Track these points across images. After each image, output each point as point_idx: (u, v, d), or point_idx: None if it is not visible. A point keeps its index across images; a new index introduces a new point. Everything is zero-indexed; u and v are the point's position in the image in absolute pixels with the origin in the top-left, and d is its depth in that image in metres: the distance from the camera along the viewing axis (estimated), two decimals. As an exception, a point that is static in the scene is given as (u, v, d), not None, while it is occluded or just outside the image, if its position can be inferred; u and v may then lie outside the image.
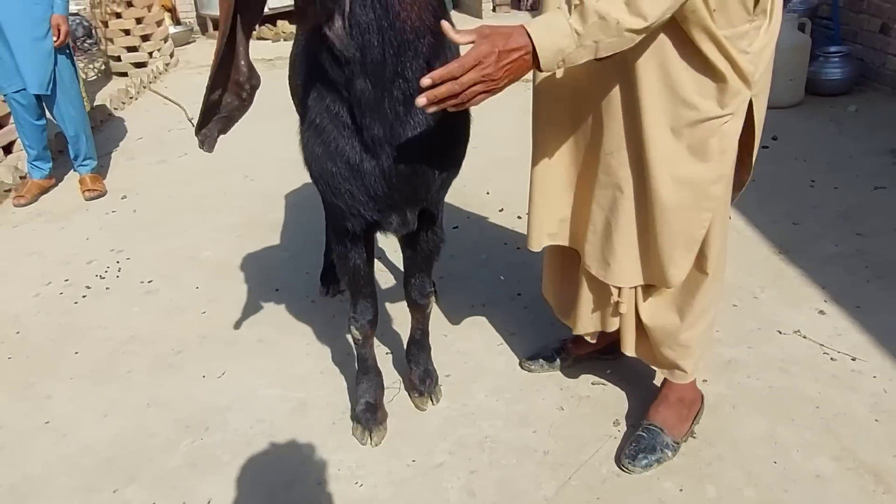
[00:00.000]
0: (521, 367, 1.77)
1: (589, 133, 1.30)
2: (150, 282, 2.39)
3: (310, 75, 1.25)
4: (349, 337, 1.72)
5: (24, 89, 2.92)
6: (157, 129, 4.08)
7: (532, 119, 1.39)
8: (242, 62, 1.15)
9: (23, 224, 2.94)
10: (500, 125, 3.63)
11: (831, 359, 1.74)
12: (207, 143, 1.23)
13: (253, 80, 1.20)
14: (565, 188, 1.39)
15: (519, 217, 2.63)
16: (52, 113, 3.07)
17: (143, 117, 4.33)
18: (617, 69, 1.18)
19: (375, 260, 1.75)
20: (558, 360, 1.75)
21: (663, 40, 1.13)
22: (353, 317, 1.54)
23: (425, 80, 0.97)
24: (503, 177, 2.97)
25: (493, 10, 6.83)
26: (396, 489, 1.44)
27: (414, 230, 1.40)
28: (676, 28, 1.10)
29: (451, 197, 2.78)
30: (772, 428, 1.53)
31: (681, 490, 1.39)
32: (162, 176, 3.38)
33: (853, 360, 1.74)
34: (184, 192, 3.14)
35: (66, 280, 2.43)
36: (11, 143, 3.49)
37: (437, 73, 0.98)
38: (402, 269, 1.72)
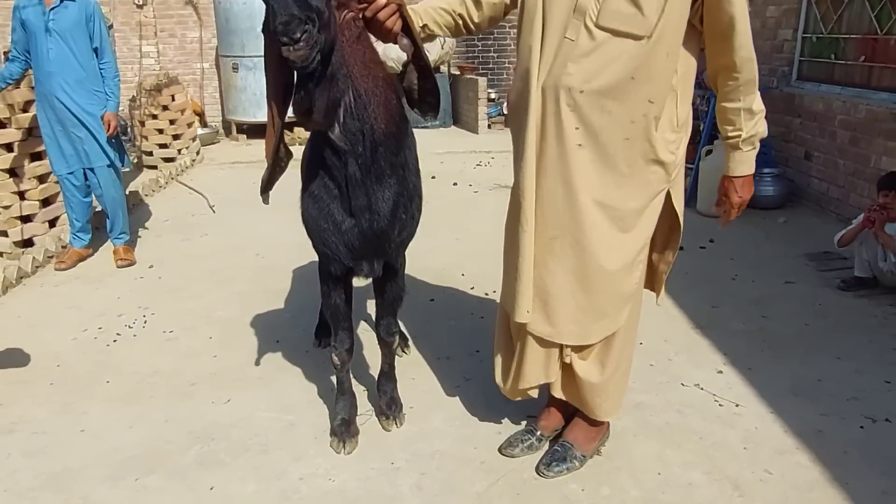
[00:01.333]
0: (502, 454, 1.92)
1: (545, 218, 1.62)
2: (171, 332, 2.86)
3: (312, 161, 1.79)
4: (332, 377, 2.17)
5: (74, 172, 3.51)
6: (183, 213, 4.71)
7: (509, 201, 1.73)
8: (282, 146, 1.69)
9: (63, 284, 3.45)
10: (481, 225, 4.24)
11: (719, 405, 2.19)
12: (265, 199, 1.75)
13: (288, 156, 1.74)
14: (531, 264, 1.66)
15: (486, 294, 3.15)
16: (96, 193, 3.66)
17: (170, 203, 4.99)
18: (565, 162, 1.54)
19: (362, 312, 2.23)
20: (534, 440, 1.93)
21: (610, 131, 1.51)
22: (333, 345, 2.02)
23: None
24: (477, 263, 3.51)
25: (489, 126, 7.80)
26: (361, 484, 1.84)
27: (380, 277, 1.93)
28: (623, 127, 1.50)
29: (429, 276, 3.35)
30: (661, 450, 1.95)
31: (582, 490, 1.79)
32: (185, 251, 3.94)
33: (736, 406, 2.18)
34: (203, 265, 3.68)
35: (100, 328, 2.90)
36: (56, 219, 4.10)
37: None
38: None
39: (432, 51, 7.86)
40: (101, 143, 3.50)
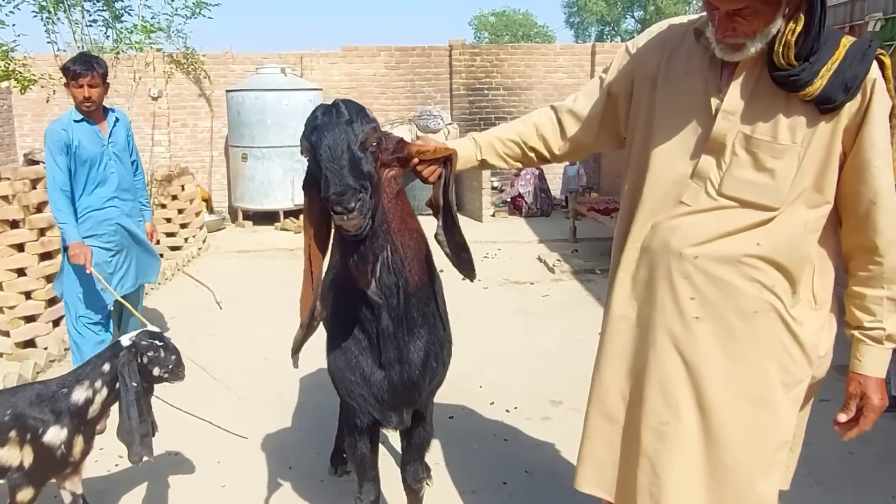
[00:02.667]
0: None
1: (650, 402, 1.36)
2: (176, 454, 2.69)
3: (339, 311, 1.69)
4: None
5: (108, 305, 3.07)
6: (190, 309, 4.61)
7: (594, 365, 1.52)
8: (318, 303, 1.58)
9: (64, 394, 3.29)
10: (494, 325, 4.16)
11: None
12: (296, 362, 1.63)
13: (322, 314, 1.62)
14: (614, 440, 1.44)
15: (507, 411, 3.02)
16: (118, 326, 3.20)
17: (177, 297, 4.89)
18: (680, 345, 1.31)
19: (381, 446, 2.11)
20: None
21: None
22: (358, 497, 1.88)
23: None
24: (495, 372, 3.40)
25: (493, 215, 7.89)
26: None
27: (408, 426, 1.82)
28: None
29: (446, 389, 3.21)
30: None
31: None
32: (191, 354, 3.78)
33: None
34: (209, 369, 3.54)
35: (101, 448, 2.73)
36: (60, 318, 3.98)
37: None
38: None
39: (437, 138, 8.06)
40: (154, 255, 3.37)
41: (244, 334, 4.09)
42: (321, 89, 7.94)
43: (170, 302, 4.78)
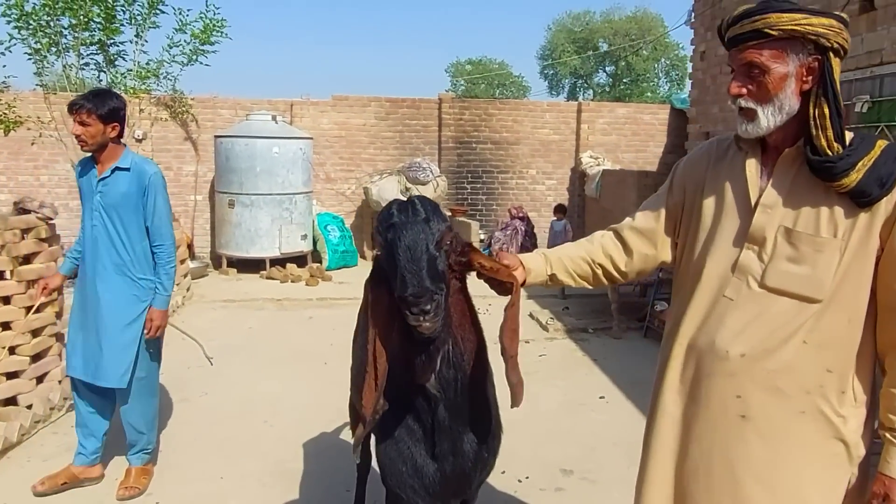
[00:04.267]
0: None
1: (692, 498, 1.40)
2: (181, 531, 2.60)
3: (391, 401, 1.62)
4: None
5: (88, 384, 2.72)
6: (178, 365, 4.50)
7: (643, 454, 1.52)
8: (381, 400, 1.55)
9: (53, 458, 3.16)
10: (496, 387, 4.17)
11: None
12: (358, 456, 1.62)
13: (384, 407, 1.59)
14: None
15: (519, 480, 3.03)
16: (120, 403, 2.83)
17: (164, 352, 4.77)
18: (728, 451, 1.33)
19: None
20: None
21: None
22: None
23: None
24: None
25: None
26: None
27: None
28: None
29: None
30: None
31: None
32: (185, 416, 3.72)
33: None
34: (208, 434, 3.46)
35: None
36: (44, 375, 3.84)
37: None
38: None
39: (425, 194, 8.22)
40: (124, 360, 2.69)
41: (240, 393, 4.02)
42: (311, 138, 8.06)
43: (157, 356, 4.66)
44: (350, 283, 7.48)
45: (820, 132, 1.27)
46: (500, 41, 56.54)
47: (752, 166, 1.38)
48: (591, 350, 5.11)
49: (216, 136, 7.57)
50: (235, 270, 7.65)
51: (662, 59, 29.61)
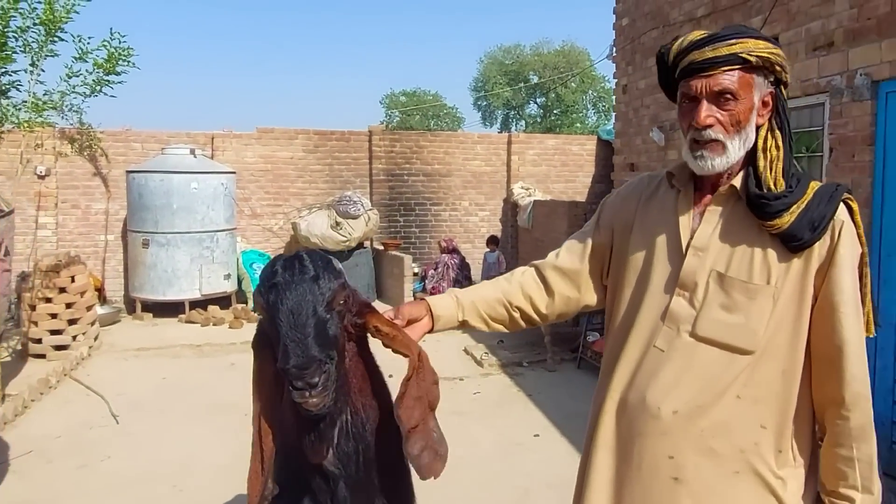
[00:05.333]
0: None
1: None
2: None
3: (285, 480, 1.48)
4: None
5: None
6: (78, 425, 4.14)
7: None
8: (270, 483, 1.41)
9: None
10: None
11: None
12: None
13: (274, 491, 1.44)
14: None
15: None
16: None
17: (63, 410, 4.39)
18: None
19: None
20: None
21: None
22: None
23: None
24: (433, 486, 3.31)
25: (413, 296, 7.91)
26: None
27: None
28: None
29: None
30: None
31: None
32: (83, 485, 3.40)
33: None
34: None
35: None
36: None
37: None
38: None
39: (357, 228, 8.13)
40: None
41: (147, 455, 3.72)
42: (234, 172, 7.83)
43: (54, 416, 4.28)
44: (278, 324, 7.23)
45: (769, 165, 1.23)
46: (433, 73, 57.79)
47: (683, 205, 1.32)
48: (527, 385, 5.11)
49: (128, 172, 7.22)
50: (151, 315, 7.23)
51: (590, 91, 31.02)
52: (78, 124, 7.04)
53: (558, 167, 9.68)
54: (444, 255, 8.36)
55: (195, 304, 7.30)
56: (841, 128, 3.71)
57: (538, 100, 32.56)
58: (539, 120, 32.00)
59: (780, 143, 1.25)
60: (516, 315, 1.48)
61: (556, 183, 9.60)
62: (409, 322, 1.42)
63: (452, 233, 9.24)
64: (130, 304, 7.38)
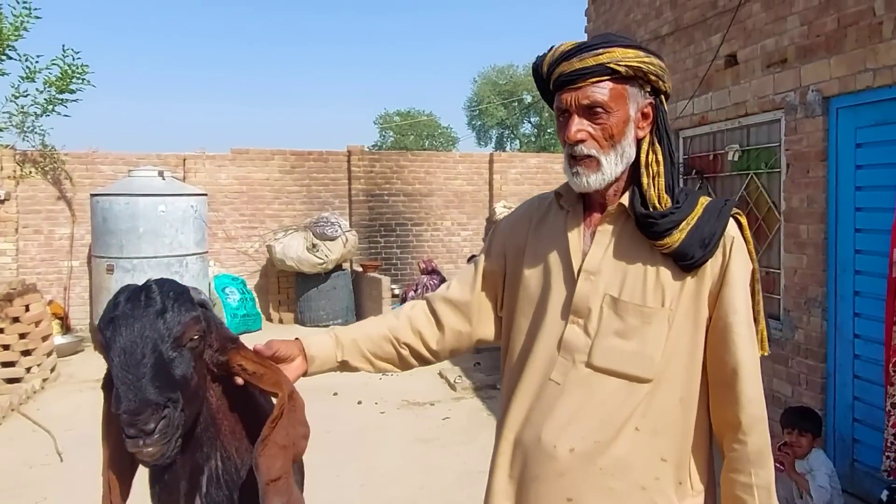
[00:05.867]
0: None
1: None
2: None
3: None
4: None
5: None
6: (18, 464, 3.97)
7: None
8: None
9: None
10: (390, 459, 3.93)
11: None
12: None
13: None
14: None
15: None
16: None
17: (5, 448, 4.23)
18: None
19: None
20: None
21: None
22: None
23: None
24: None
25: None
26: None
27: None
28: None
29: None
30: None
31: None
32: (9, 528, 3.23)
33: None
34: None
35: None
36: None
37: None
38: None
39: (335, 250, 8.03)
40: None
41: (87, 497, 3.55)
42: (206, 194, 7.74)
43: (-6, 454, 4.11)
44: (249, 350, 7.08)
45: (651, 181, 1.19)
46: (427, 93, 58.33)
47: (573, 227, 1.26)
48: (497, 408, 4.95)
49: (92, 195, 7.12)
50: (117, 343, 7.07)
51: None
52: (40, 146, 6.98)
53: (541, 185, 9.63)
54: (423, 276, 8.24)
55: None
56: (796, 144, 3.67)
57: (532, 119, 32.78)
58: (534, 139, 32.16)
59: (661, 158, 1.20)
60: (405, 352, 1.38)
61: (538, 201, 9.53)
62: (279, 361, 1.30)
63: (434, 253, 9.15)
64: (95, 333, 7.23)
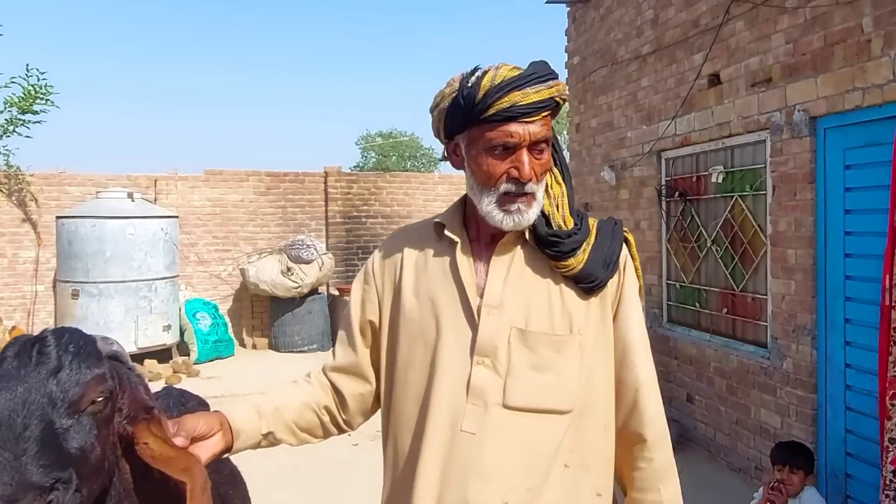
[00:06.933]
0: None
1: None
2: None
3: None
4: None
5: None
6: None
7: None
8: None
9: None
10: (364, 494, 3.69)
11: None
12: None
13: None
14: None
15: None
16: None
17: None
18: None
19: None
20: None
21: None
22: None
23: None
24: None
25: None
26: None
27: None
28: None
29: None
30: None
31: None
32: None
33: None
34: None
35: None
36: None
37: None
38: None
39: (310, 273, 7.81)
40: None
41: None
42: (176, 216, 7.51)
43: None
44: (220, 378, 6.79)
45: (555, 204, 1.16)
46: (409, 114, 58.64)
47: (464, 260, 1.16)
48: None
49: (58, 218, 6.86)
50: (79, 371, 6.76)
51: (564, 131, 31.50)
52: (5, 167, 6.72)
53: (523, 207, 9.53)
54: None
55: (131, 359, 6.82)
56: (782, 165, 3.58)
57: (515, 140, 32.80)
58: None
59: (562, 181, 1.18)
60: (326, 419, 1.26)
61: (521, 223, 9.42)
62: (195, 440, 1.10)
63: (413, 276, 8.96)
64: (58, 361, 6.91)
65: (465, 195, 1.22)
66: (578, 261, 1.13)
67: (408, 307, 1.18)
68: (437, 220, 1.22)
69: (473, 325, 1.13)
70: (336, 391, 1.26)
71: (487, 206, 1.12)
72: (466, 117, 1.10)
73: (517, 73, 1.09)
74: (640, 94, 5.07)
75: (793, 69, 3.48)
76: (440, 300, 1.16)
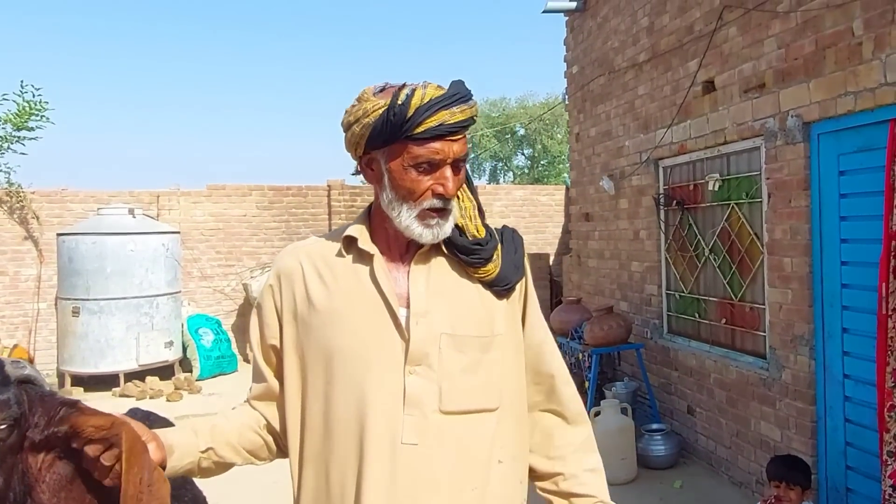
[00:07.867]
0: None
1: None
2: None
3: None
4: None
5: None
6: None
7: None
8: None
9: None
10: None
11: None
12: None
13: None
14: None
15: None
16: None
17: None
18: None
19: None
20: None
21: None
22: None
23: None
24: None
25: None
26: None
27: None
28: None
29: None
30: None
31: None
32: None
33: None
34: None
35: None
36: None
37: None
38: None
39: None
40: None
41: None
42: (178, 232, 7.57)
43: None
44: (222, 395, 6.79)
45: (467, 215, 1.21)
46: (420, 126, 58.41)
47: (381, 272, 1.17)
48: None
49: (58, 235, 6.94)
50: (82, 389, 6.80)
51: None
52: (6, 184, 6.83)
53: (527, 218, 9.50)
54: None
55: (132, 376, 6.89)
56: (777, 172, 3.53)
57: (525, 151, 32.97)
58: (527, 171, 32.26)
59: (471, 195, 1.23)
60: (270, 439, 1.25)
61: (525, 234, 9.22)
62: None
63: (417, 289, 8.93)
64: (61, 379, 6.96)
65: (368, 209, 1.25)
66: (496, 265, 1.20)
67: (318, 324, 1.17)
68: (349, 234, 1.21)
69: (402, 335, 1.14)
70: (264, 418, 1.25)
71: (407, 220, 1.14)
72: (394, 133, 1.11)
73: (442, 92, 1.13)
74: (637, 102, 5.05)
75: (785, 74, 3.45)
76: (359, 313, 1.15)
